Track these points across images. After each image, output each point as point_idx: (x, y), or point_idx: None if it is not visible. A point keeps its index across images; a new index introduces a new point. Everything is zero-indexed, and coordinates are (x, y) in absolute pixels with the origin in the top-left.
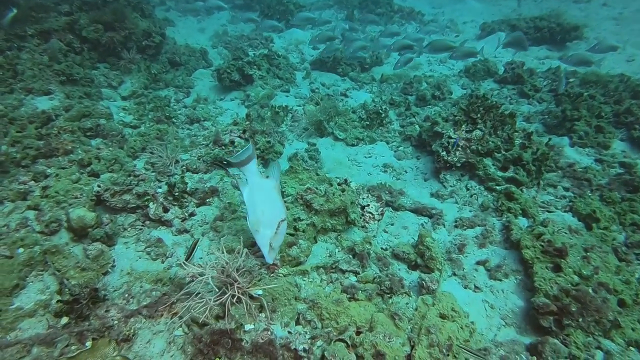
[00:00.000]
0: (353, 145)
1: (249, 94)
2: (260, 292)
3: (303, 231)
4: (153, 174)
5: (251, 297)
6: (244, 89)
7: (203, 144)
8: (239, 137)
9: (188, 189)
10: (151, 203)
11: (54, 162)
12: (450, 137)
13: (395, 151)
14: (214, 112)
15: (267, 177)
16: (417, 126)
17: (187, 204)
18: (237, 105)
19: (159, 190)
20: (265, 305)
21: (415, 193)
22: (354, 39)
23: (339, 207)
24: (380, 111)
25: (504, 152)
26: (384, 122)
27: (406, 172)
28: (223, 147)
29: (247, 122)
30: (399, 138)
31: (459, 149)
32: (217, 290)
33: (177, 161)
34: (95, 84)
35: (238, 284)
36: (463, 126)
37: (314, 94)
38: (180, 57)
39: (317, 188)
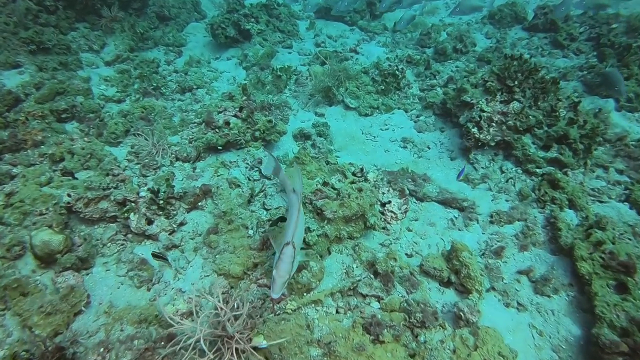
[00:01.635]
0: (367, 115)
1: (247, 53)
2: (264, 343)
3: (314, 244)
4: (137, 166)
5: (254, 348)
6: (241, 45)
7: (195, 122)
8: (235, 116)
9: (175, 191)
10: (132, 214)
11: (21, 157)
12: (482, 110)
13: (415, 121)
14: (209, 76)
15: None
16: (439, 90)
17: (175, 211)
18: (235, 65)
19: (142, 193)
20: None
21: (441, 176)
22: None
23: (356, 212)
24: (397, 72)
25: (546, 129)
26: (401, 85)
27: (429, 149)
28: (217, 129)
29: (244, 98)
30: (419, 105)
31: (493, 124)
32: (210, 351)
33: (164, 149)
34: (73, 50)
35: (236, 339)
36: (497, 96)
37: (320, 52)
38: (170, 10)
39: (328, 184)
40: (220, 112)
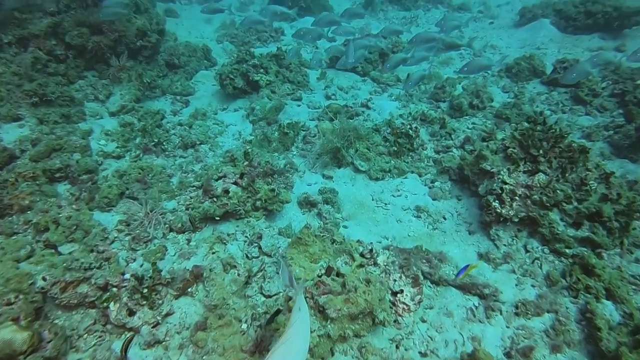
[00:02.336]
0: (378, 179)
1: (254, 106)
2: None
3: (315, 346)
4: (127, 238)
5: None
6: (249, 97)
7: (194, 186)
8: (235, 183)
9: (163, 276)
10: (112, 303)
11: (4, 224)
12: (504, 182)
13: (430, 187)
14: (214, 130)
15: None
16: (455, 151)
17: (160, 300)
18: (242, 118)
19: (127, 275)
20: None
21: (459, 253)
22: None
23: (363, 309)
24: (410, 132)
25: (576, 204)
26: (415, 146)
27: (445, 220)
28: (215, 198)
29: (246, 163)
30: (433, 169)
31: (517, 198)
32: None
33: (158, 219)
34: (78, 101)
35: None
36: (521, 165)
37: (330, 106)
38: (179, 58)
39: (333, 270)
40: (219, 179)
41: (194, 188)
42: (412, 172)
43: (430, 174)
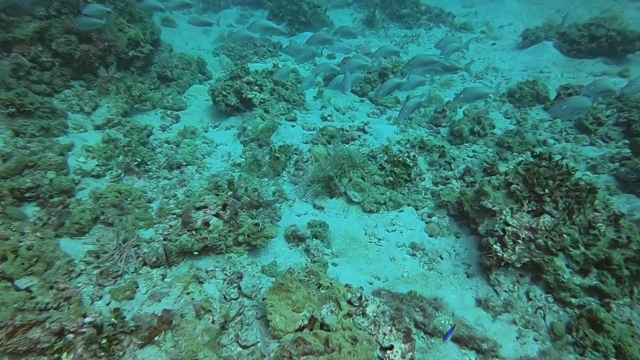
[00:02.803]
0: (372, 211)
1: (246, 127)
2: None
3: None
4: (95, 272)
5: None
6: (242, 115)
7: (174, 214)
8: (217, 215)
9: (127, 324)
10: (65, 355)
11: None
12: (507, 224)
13: (427, 222)
14: (202, 150)
15: None
16: (455, 183)
17: (122, 351)
18: (233, 138)
19: (87, 319)
20: None
21: (456, 299)
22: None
23: None
24: (408, 161)
25: (583, 250)
26: (412, 176)
27: (442, 259)
28: (194, 231)
29: (230, 193)
30: (431, 202)
31: (520, 241)
32: None
33: (130, 252)
34: (60, 112)
35: None
36: (524, 205)
37: (325, 128)
38: (172, 70)
39: (317, 321)
40: (200, 209)
41: (174, 216)
42: (409, 205)
43: (427, 207)
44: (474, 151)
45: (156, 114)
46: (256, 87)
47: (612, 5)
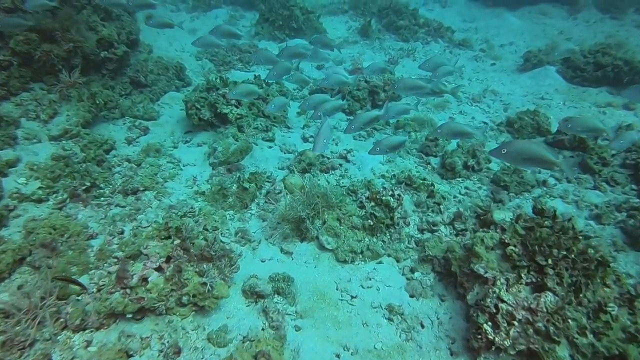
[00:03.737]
0: (346, 261)
1: (216, 147)
2: None
3: None
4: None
5: None
6: (216, 130)
7: (116, 258)
8: (159, 269)
9: None
10: None
11: None
12: (500, 300)
13: (408, 279)
14: (166, 171)
15: None
16: (443, 230)
17: None
18: (204, 157)
19: None
20: None
21: None
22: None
23: None
24: (391, 201)
25: (592, 338)
26: (395, 219)
27: (422, 328)
28: (128, 289)
29: (176, 242)
30: (415, 253)
31: (515, 323)
32: None
33: (45, 315)
34: (8, 121)
35: None
36: (522, 276)
37: (302, 157)
38: (146, 76)
39: None
40: (140, 255)
41: (116, 261)
42: (389, 255)
43: (410, 259)
44: (466, 188)
45: (124, 124)
46: (233, 101)
47: (617, 31)
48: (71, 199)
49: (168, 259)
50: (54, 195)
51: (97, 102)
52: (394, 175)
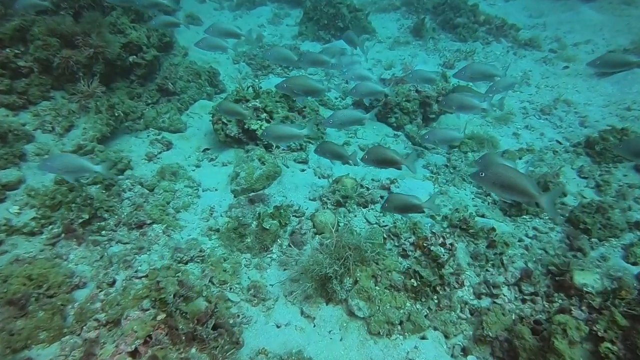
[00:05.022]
0: (380, 334)
1: (239, 172)
2: None
3: None
4: None
5: None
6: (245, 148)
7: (96, 321)
8: (134, 353)
9: None
10: None
11: None
12: None
13: None
14: (181, 198)
15: None
16: (506, 294)
17: None
18: (228, 180)
19: None
20: None
21: None
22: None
23: None
24: (441, 253)
25: None
26: (444, 276)
27: None
28: None
29: (161, 317)
30: (468, 328)
31: None
32: None
33: None
34: (20, 135)
35: None
36: None
37: (337, 186)
38: (175, 82)
39: None
40: (112, 339)
41: (96, 323)
42: (435, 328)
43: (463, 335)
44: (535, 229)
45: (148, 136)
46: (264, 115)
47: None
48: (65, 234)
49: (146, 341)
50: (50, 227)
51: (117, 114)
52: (446, 217)
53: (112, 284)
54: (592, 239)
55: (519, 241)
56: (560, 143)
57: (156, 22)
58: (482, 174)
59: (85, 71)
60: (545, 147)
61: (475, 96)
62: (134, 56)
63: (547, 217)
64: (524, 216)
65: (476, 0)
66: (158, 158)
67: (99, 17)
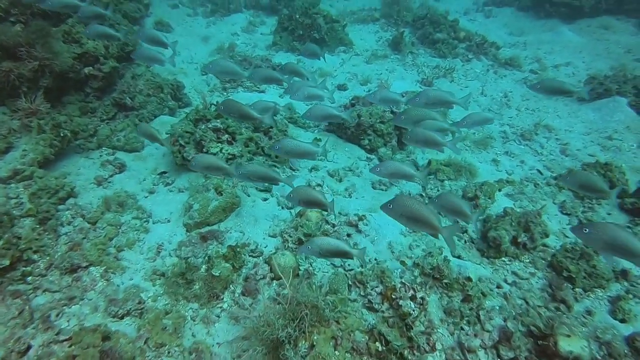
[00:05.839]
0: None
1: (192, 204)
2: None
3: None
4: None
5: None
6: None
7: None
8: None
9: None
10: None
11: None
12: None
13: None
14: (126, 234)
15: None
16: (482, 357)
17: None
18: (180, 211)
19: None
20: None
21: None
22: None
23: None
24: (411, 309)
25: None
26: (414, 334)
27: None
28: None
29: None
30: None
31: None
32: None
33: None
34: None
35: None
36: None
37: (301, 221)
38: (134, 96)
39: None
40: None
41: None
42: None
43: None
44: (514, 274)
45: (100, 156)
46: (226, 136)
47: None
48: None
49: None
50: None
51: (63, 134)
52: (417, 264)
53: (24, 352)
54: (577, 289)
55: (497, 287)
56: (541, 173)
57: (137, 55)
58: (390, 206)
59: (30, 85)
60: (525, 178)
61: (438, 134)
62: (90, 67)
63: (527, 261)
64: (503, 258)
65: (456, 15)
66: (109, 182)
67: (45, 26)
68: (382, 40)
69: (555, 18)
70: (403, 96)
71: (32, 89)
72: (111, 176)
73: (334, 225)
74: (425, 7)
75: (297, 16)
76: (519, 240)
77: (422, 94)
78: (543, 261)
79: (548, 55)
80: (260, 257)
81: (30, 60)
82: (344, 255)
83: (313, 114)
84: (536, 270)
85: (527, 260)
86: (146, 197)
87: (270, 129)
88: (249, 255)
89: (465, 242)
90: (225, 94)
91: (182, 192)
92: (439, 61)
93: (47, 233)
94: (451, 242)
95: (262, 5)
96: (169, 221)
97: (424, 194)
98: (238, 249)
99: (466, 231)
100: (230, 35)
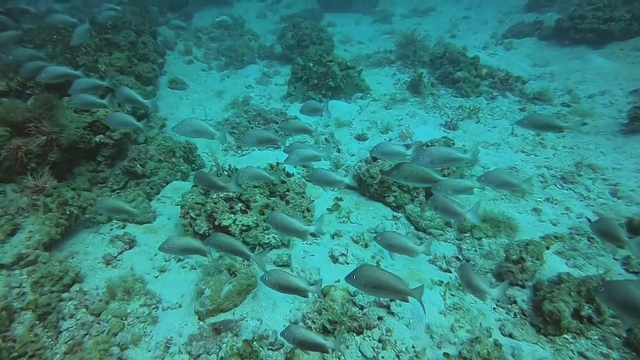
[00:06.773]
0: None
1: (203, 289)
2: None
3: None
4: None
5: None
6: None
7: None
8: None
9: None
10: None
11: None
12: None
13: None
14: (131, 327)
15: None
16: None
17: None
18: (193, 294)
19: None
20: None
21: None
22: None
23: None
24: None
25: None
26: None
27: None
28: None
29: None
30: None
31: None
32: None
33: None
34: None
35: None
36: None
37: (324, 305)
38: (145, 163)
39: None
40: None
41: None
42: None
43: None
44: (582, 356)
45: (111, 230)
46: (240, 205)
47: None
48: None
49: None
50: None
51: (69, 211)
52: (464, 358)
53: None
54: None
55: None
56: (591, 221)
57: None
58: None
59: (39, 161)
60: (574, 229)
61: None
62: (101, 135)
63: (596, 338)
64: (565, 335)
65: (476, 51)
66: (118, 260)
67: (51, 98)
68: (400, 83)
69: (581, 45)
70: (408, 148)
71: (41, 165)
72: (120, 253)
73: (362, 307)
74: (442, 45)
75: (311, 65)
76: (582, 313)
77: (426, 152)
78: (617, 338)
79: (579, 85)
80: (281, 350)
81: (38, 136)
82: (299, 292)
83: (314, 178)
84: (610, 351)
85: (596, 337)
86: (156, 277)
87: (287, 193)
88: (268, 349)
89: (515, 315)
90: (239, 152)
91: (195, 269)
92: (462, 101)
93: (46, 330)
94: (422, 304)
95: (275, 55)
96: (180, 306)
97: (460, 256)
98: (255, 343)
99: (515, 301)
100: (245, 88)
